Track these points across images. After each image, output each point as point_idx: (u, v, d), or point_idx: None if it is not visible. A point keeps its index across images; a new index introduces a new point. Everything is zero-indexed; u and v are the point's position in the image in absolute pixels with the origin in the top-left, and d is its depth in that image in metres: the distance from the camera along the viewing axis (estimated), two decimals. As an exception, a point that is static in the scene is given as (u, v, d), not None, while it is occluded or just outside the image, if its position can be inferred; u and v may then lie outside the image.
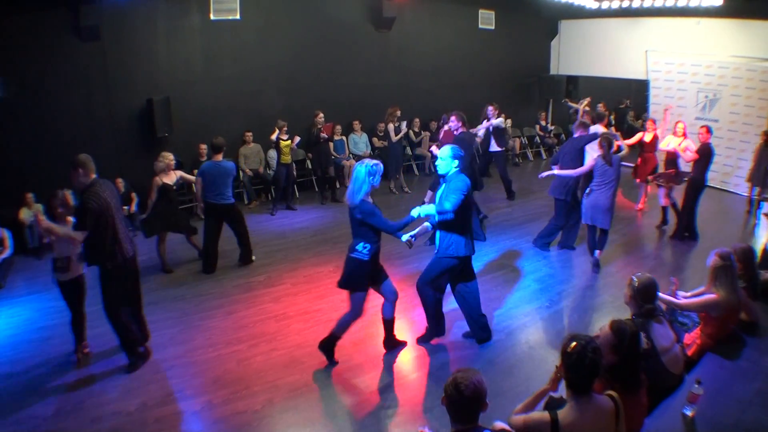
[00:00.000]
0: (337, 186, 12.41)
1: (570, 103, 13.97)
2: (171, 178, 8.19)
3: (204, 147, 10.70)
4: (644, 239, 9.52)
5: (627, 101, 16.51)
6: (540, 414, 3.25)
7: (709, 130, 8.99)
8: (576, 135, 8.68)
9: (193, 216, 10.06)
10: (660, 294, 4.97)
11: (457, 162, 5.57)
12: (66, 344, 5.96)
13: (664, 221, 9.95)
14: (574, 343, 3.15)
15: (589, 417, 3.08)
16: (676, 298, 5.14)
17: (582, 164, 8.29)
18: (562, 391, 4.26)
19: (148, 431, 4.88)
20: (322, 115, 11.24)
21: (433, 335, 6.27)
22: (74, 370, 5.66)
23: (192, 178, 8.54)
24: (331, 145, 12.63)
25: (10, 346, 6.21)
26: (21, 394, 5.31)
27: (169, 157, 8.19)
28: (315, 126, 11.21)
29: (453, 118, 9.23)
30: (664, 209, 9.86)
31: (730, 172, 12.35)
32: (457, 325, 6.54)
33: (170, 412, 5.12)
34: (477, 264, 8.37)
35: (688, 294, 5.32)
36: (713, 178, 12.51)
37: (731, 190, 12.28)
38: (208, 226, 8.32)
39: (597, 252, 8.19)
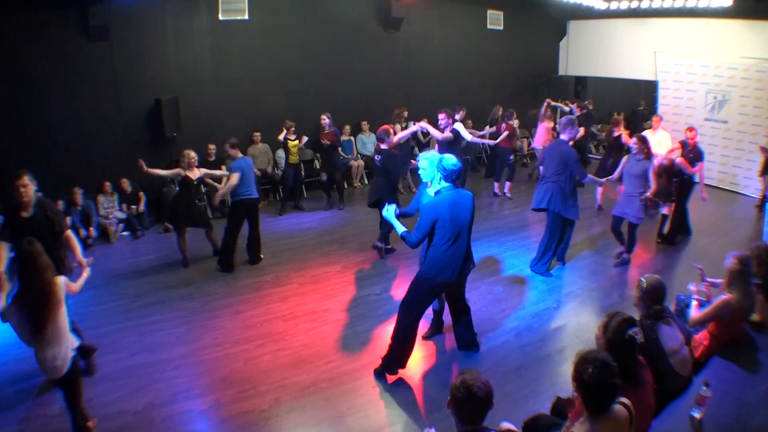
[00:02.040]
0: (345, 186, 12.46)
1: (554, 104, 13.78)
2: (194, 174, 8.26)
3: (212, 147, 10.72)
4: (651, 240, 9.47)
5: (644, 103, 16.31)
6: None
7: (692, 130, 8.94)
8: (564, 136, 7.83)
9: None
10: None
11: (440, 176, 5.14)
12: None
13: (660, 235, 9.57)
14: (590, 369, 2.97)
15: (608, 430, 3.06)
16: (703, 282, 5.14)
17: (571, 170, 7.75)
18: (565, 390, 4.26)
19: (155, 430, 4.91)
20: (325, 117, 10.98)
21: (392, 366, 5.68)
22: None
23: (221, 173, 8.91)
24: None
25: (17, 344, 6.17)
26: (28, 392, 5.33)
27: (191, 155, 8.26)
28: (321, 129, 11.11)
29: (442, 116, 9.23)
30: (665, 217, 9.45)
31: (739, 174, 12.28)
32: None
33: (177, 411, 5.15)
34: (484, 264, 8.39)
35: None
36: (722, 179, 12.48)
37: (741, 191, 12.21)
38: (236, 224, 8.40)
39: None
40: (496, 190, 12.18)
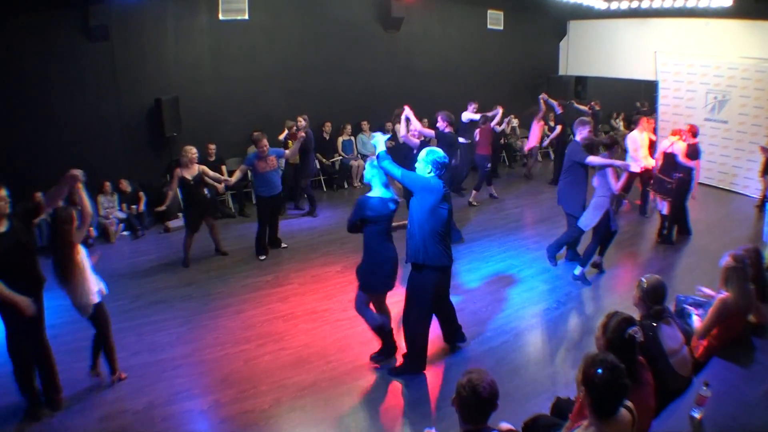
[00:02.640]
0: (345, 186, 12.51)
1: (576, 105, 13.90)
2: (191, 172, 8.29)
3: (212, 147, 10.72)
4: (651, 241, 9.47)
5: (647, 103, 16.19)
6: None
7: (693, 130, 8.90)
8: (578, 137, 7.72)
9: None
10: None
11: (431, 168, 5.15)
12: (74, 341, 5.98)
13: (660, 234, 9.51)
14: (600, 371, 2.94)
15: None
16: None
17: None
18: (568, 391, 4.26)
19: (156, 430, 4.90)
20: (302, 120, 10.33)
21: (414, 368, 5.71)
22: (80, 369, 5.67)
23: (217, 175, 8.88)
24: (341, 142, 12.68)
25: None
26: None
27: (191, 151, 8.31)
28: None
29: (440, 117, 9.20)
30: (665, 218, 9.40)
31: (739, 174, 12.28)
32: (463, 325, 6.54)
33: (177, 411, 5.15)
34: (485, 264, 8.40)
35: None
36: (723, 179, 12.48)
37: (740, 191, 12.20)
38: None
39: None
40: (493, 192, 12.13)
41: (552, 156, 14.07)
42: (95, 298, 5.20)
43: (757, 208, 10.89)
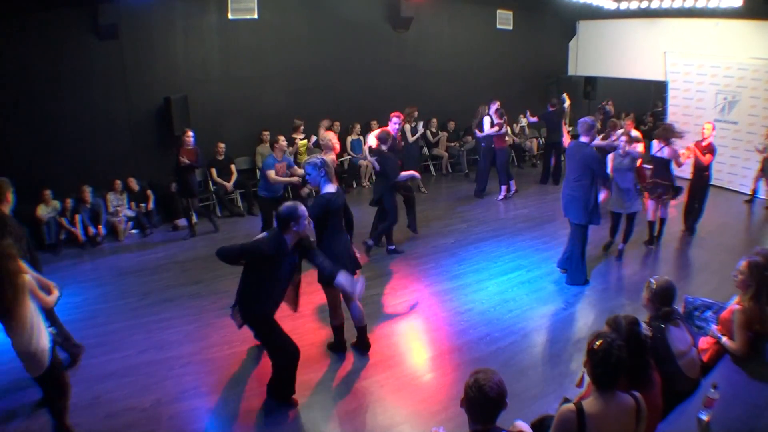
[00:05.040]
0: (354, 185, 12.56)
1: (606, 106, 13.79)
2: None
3: (222, 145, 10.73)
4: (661, 241, 9.43)
5: (661, 104, 15.88)
6: (565, 407, 3.23)
7: (713, 128, 9.08)
8: (584, 138, 7.65)
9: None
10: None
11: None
12: (81, 340, 6.00)
13: (652, 239, 9.01)
14: (599, 341, 3.21)
15: (613, 410, 3.14)
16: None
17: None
18: (575, 392, 4.25)
19: (163, 428, 4.92)
20: (190, 133, 9.66)
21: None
22: (89, 366, 5.69)
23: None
24: (349, 141, 12.64)
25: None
26: (35, 389, 5.34)
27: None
28: (184, 145, 9.59)
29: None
30: (652, 224, 8.91)
31: (748, 175, 12.19)
32: (471, 325, 6.55)
33: (184, 409, 5.16)
34: (493, 265, 8.38)
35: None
36: (731, 180, 12.41)
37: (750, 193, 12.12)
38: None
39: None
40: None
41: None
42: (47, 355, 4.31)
43: (767, 210, 10.84)
